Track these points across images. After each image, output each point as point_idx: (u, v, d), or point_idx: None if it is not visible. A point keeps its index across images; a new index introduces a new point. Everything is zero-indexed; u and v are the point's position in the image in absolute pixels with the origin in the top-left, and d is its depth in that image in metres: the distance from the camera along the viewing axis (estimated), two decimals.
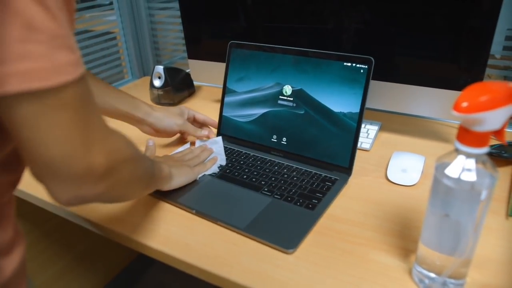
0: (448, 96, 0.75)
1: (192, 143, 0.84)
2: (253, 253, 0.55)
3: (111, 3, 1.23)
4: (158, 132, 0.79)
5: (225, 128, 0.83)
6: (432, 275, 0.46)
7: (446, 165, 0.41)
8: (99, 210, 0.65)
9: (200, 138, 0.82)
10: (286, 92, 0.76)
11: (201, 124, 0.86)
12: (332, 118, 0.71)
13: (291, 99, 0.75)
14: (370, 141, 0.81)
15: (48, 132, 0.35)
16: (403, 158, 0.73)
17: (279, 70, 0.77)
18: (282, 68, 0.76)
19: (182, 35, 1.03)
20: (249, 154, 0.78)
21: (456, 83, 0.74)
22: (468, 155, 0.40)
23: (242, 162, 0.75)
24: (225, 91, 0.83)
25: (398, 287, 0.49)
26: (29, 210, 0.95)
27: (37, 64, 0.32)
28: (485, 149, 0.39)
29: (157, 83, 1.06)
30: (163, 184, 0.62)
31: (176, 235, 0.59)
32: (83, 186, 0.39)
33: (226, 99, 0.83)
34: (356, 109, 0.69)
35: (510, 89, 0.37)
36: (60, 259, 1.10)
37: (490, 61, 0.88)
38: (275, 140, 0.77)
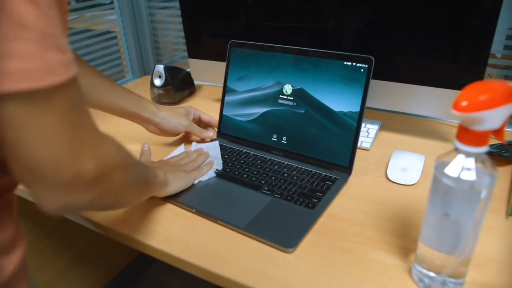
0: (448, 95, 0.75)
1: (188, 138, 0.85)
2: (253, 252, 0.55)
3: (111, 2, 1.23)
4: (163, 131, 0.80)
5: (225, 127, 0.83)
6: (432, 274, 0.46)
7: (445, 164, 0.41)
8: None
9: (205, 139, 0.83)
10: (286, 91, 0.76)
11: (206, 125, 0.86)
12: (332, 117, 0.71)
13: (291, 98, 0.75)
14: (370, 140, 0.81)
15: (35, 135, 0.33)
16: (403, 158, 0.73)
17: (279, 69, 0.77)
18: (282, 67, 0.76)
19: (183, 34, 1.03)
20: (249, 153, 0.78)
21: (456, 83, 0.74)
22: (468, 154, 0.40)
23: (242, 161, 0.75)
24: (226, 90, 0.83)
25: (398, 286, 0.49)
26: (29, 209, 0.95)
27: (27, 64, 0.31)
28: (484, 148, 0.39)
29: (157, 82, 1.06)
30: (158, 191, 0.61)
31: (176, 234, 0.59)
32: (71, 194, 0.37)
33: (227, 98, 0.83)
34: (356, 108, 0.69)
35: (509, 88, 0.37)
36: (60, 258, 1.10)
37: (490, 60, 0.88)
38: (275, 139, 0.77)
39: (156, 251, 0.58)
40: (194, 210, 0.63)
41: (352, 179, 0.70)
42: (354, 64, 0.69)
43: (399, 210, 0.62)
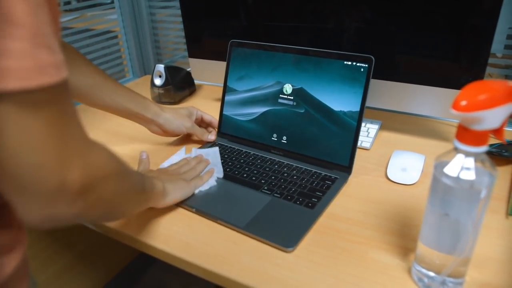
0: (448, 95, 0.75)
1: (189, 138, 0.84)
2: (252, 251, 0.55)
3: (112, 2, 1.23)
4: (166, 132, 0.80)
5: (225, 127, 0.83)
6: (431, 274, 0.46)
7: (445, 163, 0.41)
8: None
9: (206, 141, 0.83)
10: (286, 90, 0.76)
11: (207, 125, 0.87)
12: (332, 117, 0.71)
13: (292, 97, 0.75)
14: (370, 140, 0.81)
15: (19, 138, 0.31)
16: (403, 157, 0.73)
17: (279, 68, 0.77)
18: (283, 66, 0.76)
19: (183, 34, 1.03)
20: (249, 152, 0.78)
21: (456, 82, 0.74)
22: (467, 154, 0.40)
23: (242, 161, 0.75)
24: (226, 89, 0.83)
25: (398, 286, 0.49)
26: None
27: (19, 63, 0.29)
28: (484, 148, 0.39)
29: (158, 81, 1.06)
30: (156, 201, 0.59)
31: (176, 234, 0.59)
32: (55, 205, 0.34)
33: (227, 97, 0.83)
34: (356, 108, 0.69)
35: (509, 87, 0.37)
36: (61, 257, 1.11)
37: (491, 60, 0.88)
38: (275, 139, 0.77)
39: (156, 250, 0.58)
40: (194, 210, 0.63)
41: (352, 178, 0.70)
42: (354, 63, 0.69)
43: (399, 210, 0.62)
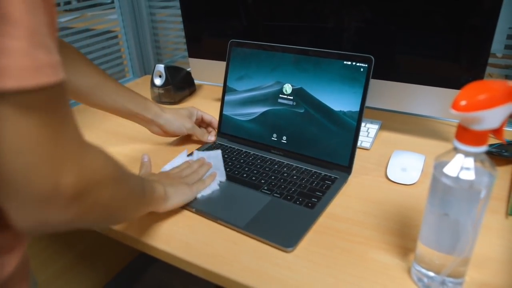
0: (448, 95, 0.75)
1: (190, 138, 0.84)
2: (252, 251, 0.55)
3: (112, 2, 1.23)
4: (166, 133, 0.80)
5: (225, 126, 0.83)
6: (431, 274, 0.46)
7: (444, 163, 0.41)
8: None
9: (206, 142, 0.83)
10: (286, 90, 0.76)
11: (207, 125, 0.87)
12: (332, 117, 0.71)
13: (291, 97, 0.75)
14: (370, 140, 0.81)
15: (11, 139, 0.30)
16: (403, 157, 0.73)
17: (279, 68, 0.77)
18: (282, 66, 0.76)
19: (183, 33, 1.03)
20: (249, 152, 0.78)
21: (456, 82, 0.74)
22: (467, 154, 0.40)
23: (242, 161, 0.75)
24: (226, 89, 0.83)
25: (397, 285, 0.49)
26: None
27: (16, 61, 0.29)
28: (483, 148, 0.39)
29: (158, 81, 1.07)
30: (157, 206, 0.57)
31: (176, 234, 0.59)
32: (48, 210, 0.33)
33: (227, 97, 0.83)
34: (356, 108, 0.69)
35: (508, 87, 0.37)
36: (61, 257, 1.11)
37: (491, 60, 0.88)
38: (275, 139, 0.77)
39: (156, 250, 0.58)
40: (194, 210, 0.63)
41: (352, 178, 0.70)
42: (354, 63, 0.69)
43: (398, 210, 0.62)
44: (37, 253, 1.04)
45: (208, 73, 1.03)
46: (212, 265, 0.53)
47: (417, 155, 0.73)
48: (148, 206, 0.55)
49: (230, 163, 0.75)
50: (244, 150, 0.79)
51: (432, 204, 0.44)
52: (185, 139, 0.86)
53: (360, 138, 0.81)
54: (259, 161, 0.75)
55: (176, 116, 0.80)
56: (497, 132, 0.39)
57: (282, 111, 0.76)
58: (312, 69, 0.73)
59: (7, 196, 0.32)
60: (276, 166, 0.73)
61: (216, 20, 0.96)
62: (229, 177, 0.71)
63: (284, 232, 0.57)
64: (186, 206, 0.64)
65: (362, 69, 0.69)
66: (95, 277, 1.24)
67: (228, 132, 0.83)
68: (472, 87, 0.38)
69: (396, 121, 0.91)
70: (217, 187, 0.68)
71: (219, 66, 0.95)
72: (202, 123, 0.86)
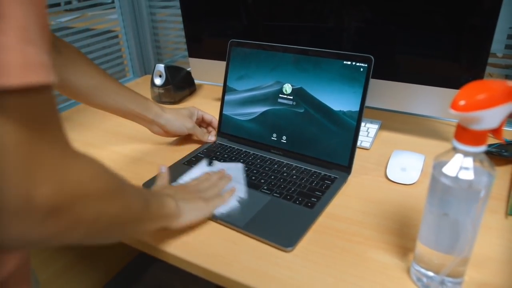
0: (448, 94, 0.75)
1: (190, 138, 0.84)
2: (252, 251, 0.55)
3: (112, 2, 1.23)
4: (167, 133, 0.81)
5: (225, 126, 0.83)
6: (430, 273, 0.46)
7: (443, 163, 0.41)
8: None
9: (207, 142, 0.83)
10: (286, 90, 0.76)
11: (208, 124, 0.87)
12: (332, 117, 0.71)
13: (291, 97, 0.75)
14: (370, 139, 0.81)
15: None
16: (403, 157, 0.73)
17: (279, 68, 0.77)
18: (282, 66, 0.76)
19: (183, 33, 1.03)
20: (249, 152, 0.78)
21: (456, 82, 0.74)
22: (466, 154, 0.40)
23: (241, 161, 0.75)
24: (226, 89, 0.83)
25: (396, 285, 0.49)
26: None
27: (5, 57, 0.27)
28: (482, 148, 0.39)
29: (158, 81, 1.07)
30: (168, 222, 0.53)
31: (176, 233, 0.59)
32: (21, 224, 0.30)
33: (226, 97, 0.83)
34: (356, 107, 0.69)
35: (508, 87, 0.37)
36: (62, 256, 1.11)
37: (492, 60, 0.88)
38: (275, 139, 0.77)
39: (156, 250, 0.58)
40: None
41: (351, 178, 0.70)
42: (353, 63, 0.69)
43: (398, 210, 0.62)
44: (38, 252, 1.04)
45: (208, 73, 1.04)
46: (211, 265, 0.53)
47: (417, 155, 0.73)
48: (154, 222, 0.51)
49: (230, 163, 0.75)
50: (244, 150, 0.79)
51: (431, 204, 0.44)
52: (185, 139, 0.86)
53: (360, 138, 0.81)
54: (258, 160, 0.75)
55: (177, 116, 0.80)
56: (496, 131, 0.39)
57: (282, 111, 0.76)
58: (312, 69, 0.73)
59: None
60: (275, 166, 0.73)
61: (216, 20, 0.96)
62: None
63: (283, 232, 0.57)
64: None
65: (362, 69, 0.69)
66: (95, 276, 1.24)
67: (228, 132, 0.83)
68: (471, 87, 0.38)
69: (396, 121, 0.91)
70: (237, 204, 0.63)
71: (219, 66, 0.95)
72: (202, 123, 0.87)
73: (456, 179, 0.40)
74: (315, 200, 0.63)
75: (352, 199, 0.65)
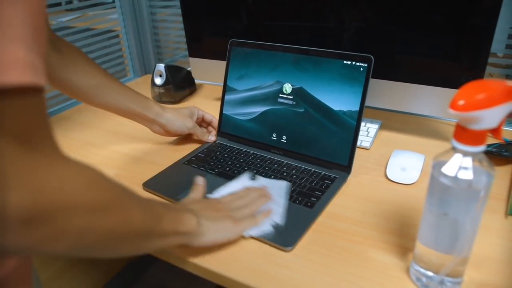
0: (448, 94, 0.75)
1: (191, 137, 0.84)
2: (252, 251, 0.55)
3: (113, 1, 1.23)
4: (167, 132, 0.81)
5: (225, 126, 0.84)
6: (430, 273, 0.46)
7: (443, 163, 0.41)
8: None
9: (207, 142, 0.83)
10: (286, 90, 0.76)
11: (208, 124, 0.87)
12: (332, 117, 0.71)
13: (291, 97, 0.75)
14: (370, 139, 0.81)
15: None
16: (403, 157, 0.73)
17: (279, 68, 0.77)
18: (282, 66, 0.76)
19: (184, 33, 1.03)
20: (249, 152, 0.78)
21: (456, 82, 0.73)
22: (465, 154, 0.40)
23: (241, 160, 0.75)
24: (226, 89, 0.83)
25: (396, 285, 0.49)
26: None
27: None
28: (482, 148, 0.39)
29: (158, 81, 1.07)
30: (187, 239, 0.50)
31: None
32: None
33: (227, 97, 0.83)
34: (355, 107, 0.69)
35: (507, 87, 0.37)
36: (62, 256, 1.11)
37: (492, 60, 0.88)
38: (275, 138, 0.77)
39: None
40: None
41: (351, 178, 0.70)
42: (353, 63, 0.69)
43: (398, 209, 0.62)
44: None
45: (208, 72, 1.04)
46: (211, 265, 0.53)
47: (416, 155, 0.73)
48: (169, 239, 0.47)
49: (230, 162, 0.75)
50: (244, 149, 0.79)
51: (430, 204, 0.44)
52: (185, 138, 0.86)
53: (360, 137, 0.81)
54: (258, 160, 0.75)
55: (178, 116, 0.80)
56: (495, 131, 0.39)
57: (282, 111, 0.76)
58: (312, 68, 0.73)
59: None
60: (275, 166, 0.73)
61: (217, 19, 0.96)
62: (229, 176, 0.71)
63: (283, 232, 0.57)
64: None
65: (362, 69, 0.69)
66: (96, 275, 1.24)
67: (228, 132, 0.83)
68: (470, 87, 0.38)
69: (396, 121, 0.91)
70: (271, 229, 0.57)
71: (220, 66, 0.95)
72: (202, 123, 0.87)
73: (455, 178, 0.40)
74: (315, 199, 0.63)
75: (352, 198, 0.65)
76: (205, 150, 0.80)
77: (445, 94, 0.75)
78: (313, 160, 0.73)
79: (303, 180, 0.68)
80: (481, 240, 0.55)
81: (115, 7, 1.24)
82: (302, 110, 0.74)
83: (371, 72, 0.68)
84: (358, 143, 0.79)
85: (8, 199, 0.28)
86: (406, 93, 0.79)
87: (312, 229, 0.59)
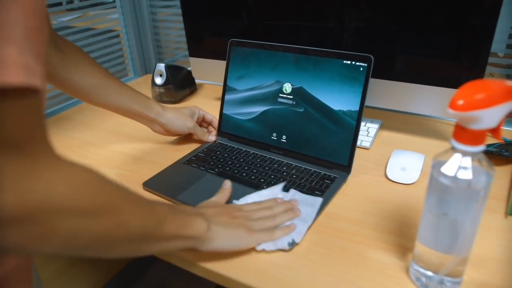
0: (448, 94, 0.75)
1: (191, 137, 0.84)
2: (252, 250, 0.55)
3: (113, 1, 1.23)
4: (168, 132, 0.81)
5: (225, 126, 0.84)
6: (429, 273, 0.46)
7: (442, 163, 0.41)
8: None
9: (207, 141, 0.83)
10: (286, 90, 0.76)
11: (208, 124, 0.87)
12: (332, 116, 0.71)
13: (291, 97, 0.75)
14: (370, 139, 0.81)
15: None
16: (402, 157, 0.73)
17: (279, 68, 0.77)
18: (282, 66, 0.76)
19: (184, 33, 1.03)
20: (249, 152, 0.78)
21: (456, 81, 0.73)
22: (465, 153, 0.40)
23: (241, 160, 0.75)
24: (226, 89, 0.83)
25: (396, 285, 0.49)
26: None
27: None
28: (481, 147, 0.39)
29: (158, 81, 1.07)
30: (195, 243, 0.49)
31: None
32: None
33: (227, 97, 0.83)
34: (355, 107, 0.69)
35: (506, 87, 0.37)
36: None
37: (493, 60, 0.87)
38: (275, 138, 0.77)
39: None
40: None
41: (351, 178, 0.70)
42: (353, 63, 0.69)
43: (398, 209, 0.62)
44: None
45: (208, 72, 1.04)
46: (211, 264, 0.53)
47: (416, 155, 0.73)
48: (174, 242, 0.47)
49: (230, 162, 0.75)
50: (244, 149, 0.79)
51: (430, 204, 0.44)
52: (185, 138, 0.86)
53: (360, 137, 0.81)
54: (258, 160, 0.75)
55: (178, 115, 0.80)
56: (494, 131, 0.39)
57: (282, 111, 0.76)
58: (312, 68, 0.73)
59: None
60: (275, 165, 0.73)
61: (217, 19, 0.97)
62: (228, 176, 0.71)
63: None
64: (186, 205, 0.64)
65: (361, 69, 0.69)
66: (96, 275, 1.24)
67: (228, 131, 0.83)
68: (469, 87, 0.38)
69: (396, 121, 0.91)
70: (286, 247, 0.54)
71: (220, 65, 0.95)
72: (203, 123, 0.87)
73: (455, 178, 0.40)
74: None
75: (351, 198, 0.65)
76: (205, 149, 0.80)
77: (445, 94, 0.75)
78: (313, 160, 0.73)
79: (303, 180, 0.68)
80: (481, 240, 0.55)
81: (115, 7, 1.24)
82: (302, 110, 0.74)
83: (371, 72, 0.68)
84: (358, 143, 0.79)
85: (0, 198, 0.28)
86: (406, 93, 0.79)
87: (312, 229, 0.59)
